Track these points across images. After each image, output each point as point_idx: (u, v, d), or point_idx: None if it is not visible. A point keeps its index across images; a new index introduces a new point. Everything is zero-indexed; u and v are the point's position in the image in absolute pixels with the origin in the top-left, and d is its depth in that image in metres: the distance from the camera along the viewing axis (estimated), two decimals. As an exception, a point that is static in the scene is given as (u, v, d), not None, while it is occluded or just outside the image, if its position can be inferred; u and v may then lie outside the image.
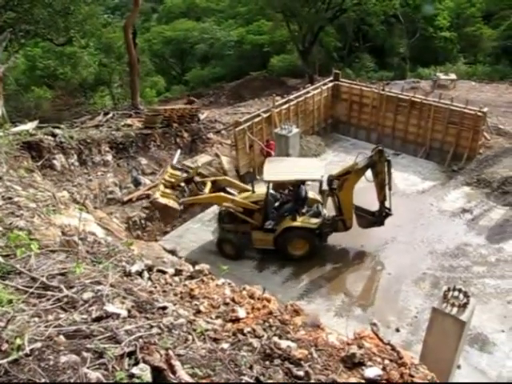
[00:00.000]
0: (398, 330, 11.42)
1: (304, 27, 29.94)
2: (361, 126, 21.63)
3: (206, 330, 3.80)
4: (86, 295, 3.78)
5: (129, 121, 19.15)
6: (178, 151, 17.65)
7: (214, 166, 17.18)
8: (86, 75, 27.92)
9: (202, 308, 4.57)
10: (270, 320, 4.45)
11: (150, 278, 5.23)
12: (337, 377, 3.57)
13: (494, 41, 35.02)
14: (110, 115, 20.40)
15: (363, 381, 3.70)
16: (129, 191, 15.76)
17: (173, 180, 13.77)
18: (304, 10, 29.31)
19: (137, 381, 2.73)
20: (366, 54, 35.30)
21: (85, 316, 3.46)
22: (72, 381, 2.63)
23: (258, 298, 5.14)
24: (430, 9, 34.28)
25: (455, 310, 8.18)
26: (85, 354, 2.88)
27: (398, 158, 19.47)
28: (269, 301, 5.08)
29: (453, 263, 13.72)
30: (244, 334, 3.99)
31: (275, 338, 3.95)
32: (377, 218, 13.80)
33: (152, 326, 3.48)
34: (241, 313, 4.52)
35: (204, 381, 2.97)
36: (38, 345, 2.90)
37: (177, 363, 2.96)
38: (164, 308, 3.99)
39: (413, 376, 4.02)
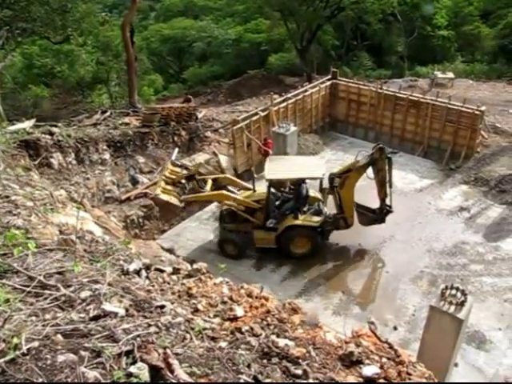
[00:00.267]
0: (395, 328, 11.44)
1: (302, 25, 29.89)
2: (359, 125, 21.65)
3: (204, 329, 3.80)
4: (84, 294, 3.77)
5: (126, 119, 19.11)
6: (176, 150, 17.60)
7: (211, 165, 17.16)
8: (84, 73, 27.80)
9: (199, 307, 4.56)
10: (268, 318, 4.45)
11: (147, 277, 5.23)
12: (335, 375, 3.58)
13: (491, 39, 35.06)
14: (108, 114, 20.35)
15: (361, 379, 3.70)
16: (126, 190, 15.73)
17: (173, 177, 13.73)
18: (302, 9, 29.26)
19: (134, 380, 2.72)
20: (364, 52, 35.31)
21: (82, 315, 3.46)
22: (69, 380, 2.63)
23: (256, 297, 5.15)
24: (430, 8, 34.32)
25: (453, 308, 8.20)
26: (82, 353, 2.88)
27: (396, 156, 19.47)
28: (267, 299, 5.09)
29: (450, 261, 13.75)
30: (242, 333, 3.98)
31: (273, 337, 3.95)
32: (378, 216, 13.83)
33: (150, 325, 3.47)
34: (239, 311, 4.52)
35: (202, 380, 2.97)
36: (36, 344, 2.89)
37: (175, 362, 2.96)
38: (162, 307, 3.98)
39: (410, 374, 4.02)
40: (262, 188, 14.01)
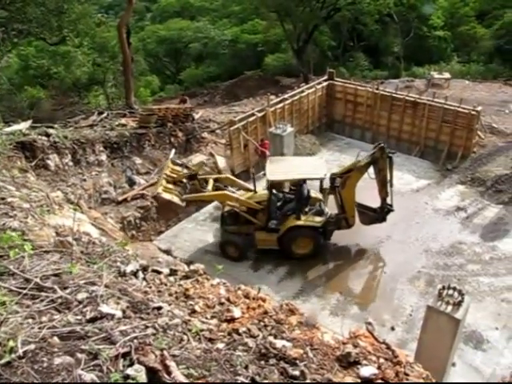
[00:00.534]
0: (393, 329, 11.46)
1: (298, 26, 29.92)
2: (355, 125, 21.68)
3: (201, 330, 3.79)
4: (81, 296, 3.76)
5: (123, 120, 19.08)
6: (173, 151, 17.58)
7: (208, 166, 17.15)
8: (80, 75, 27.75)
9: (197, 308, 4.55)
10: (266, 319, 4.44)
11: (144, 278, 5.21)
12: (332, 376, 3.57)
13: (487, 40, 35.18)
14: (104, 115, 20.31)
15: (358, 380, 3.70)
16: (123, 191, 15.70)
17: (174, 175, 13.70)
18: (298, 9, 29.30)
19: (132, 382, 2.71)
20: (361, 53, 35.35)
21: (79, 317, 3.44)
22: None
23: (254, 298, 5.14)
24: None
25: (450, 308, 8.22)
26: (79, 355, 2.86)
27: (393, 156, 19.50)
28: (264, 300, 5.08)
29: (447, 261, 13.78)
30: (239, 334, 3.98)
31: (270, 338, 3.94)
32: (379, 215, 13.89)
33: (147, 327, 3.46)
34: (236, 312, 4.51)
35: (199, 381, 2.96)
36: (32, 347, 2.88)
37: (172, 364, 2.95)
38: (159, 308, 3.97)
39: (408, 374, 4.02)
40: (259, 188, 14.01)
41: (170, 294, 4.88)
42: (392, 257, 14.27)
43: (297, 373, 3.41)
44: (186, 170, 14.11)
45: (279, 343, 3.79)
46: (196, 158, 17.10)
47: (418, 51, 34.95)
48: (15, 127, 14.98)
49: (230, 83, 33.48)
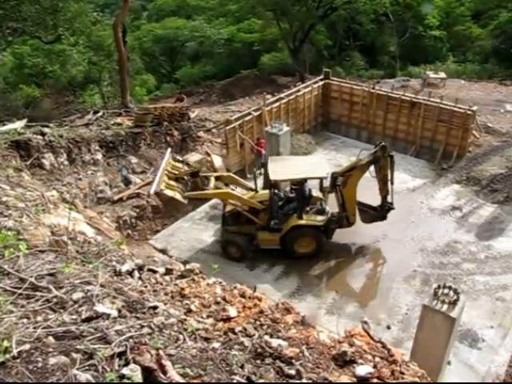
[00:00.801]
0: (388, 328, 11.48)
1: (294, 25, 29.93)
2: (351, 125, 21.70)
3: (197, 330, 3.79)
4: (76, 295, 3.74)
5: (119, 119, 19.04)
6: (169, 150, 17.54)
7: (204, 165, 17.12)
8: (76, 73, 27.63)
9: (192, 307, 4.55)
10: (261, 319, 4.45)
11: (140, 278, 5.20)
12: (328, 375, 3.58)
13: (485, 40, 35.32)
14: (100, 114, 20.25)
15: (354, 379, 3.71)
16: (119, 190, 15.66)
17: (176, 172, 13.64)
18: (295, 8, 29.31)
19: (127, 381, 2.70)
20: (357, 52, 35.44)
21: (74, 316, 3.43)
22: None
23: (249, 297, 5.15)
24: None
25: (445, 306, 8.25)
26: (74, 355, 2.85)
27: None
28: (260, 299, 5.09)
29: (443, 260, 13.83)
30: (235, 333, 3.98)
31: (266, 337, 3.94)
32: (379, 213, 13.96)
33: (142, 326, 3.45)
34: (232, 312, 4.52)
35: (195, 381, 2.95)
36: (27, 347, 2.86)
37: (167, 363, 2.94)
38: (155, 308, 3.96)
39: (403, 373, 4.04)
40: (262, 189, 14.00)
41: (166, 294, 4.87)
42: (388, 256, 14.31)
43: (293, 372, 3.42)
44: (186, 167, 14.08)
45: (275, 342, 3.80)
46: (192, 157, 17.06)
47: (413, 51, 35.07)
48: (10, 126, 14.93)
49: (226, 82, 33.44)
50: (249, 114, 18.33)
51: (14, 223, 6.27)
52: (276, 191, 13.70)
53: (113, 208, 15.01)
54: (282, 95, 19.99)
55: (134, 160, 16.72)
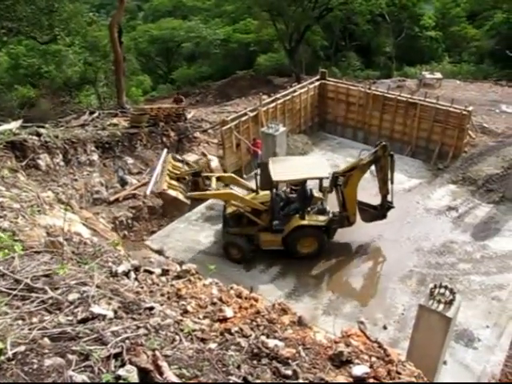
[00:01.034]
0: (385, 328, 11.50)
1: (290, 26, 29.96)
2: (347, 125, 21.73)
3: (194, 330, 3.78)
4: (72, 296, 3.73)
5: (115, 120, 18.99)
6: (165, 151, 17.53)
7: (201, 165, 17.10)
8: (71, 74, 27.55)
9: (189, 308, 4.54)
10: (258, 319, 4.44)
11: (136, 279, 5.19)
12: (324, 375, 3.58)
13: (482, 40, 35.48)
14: (96, 114, 20.20)
15: (351, 379, 3.71)
16: (115, 191, 15.62)
17: (177, 172, 13.59)
18: (291, 9, 29.35)
19: (123, 383, 2.69)
20: (353, 52, 35.52)
21: (70, 318, 3.42)
22: (57, 384, 2.59)
23: (246, 298, 5.14)
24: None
25: (441, 306, 8.26)
26: (70, 356, 2.84)
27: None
28: (256, 300, 5.08)
29: (439, 260, 13.87)
30: (231, 334, 3.97)
31: (263, 337, 3.94)
32: (379, 212, 14.05)
33: (139, 327, 3.44)
34: (228, 312, 4.51)
35: (192, 381, 2.95)
36: (22, 348, 2.85)
37: (164, 364, 2.94)
38: (151, 308, 3.95)
39: (400, 373, 4.04)
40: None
41: (162, 294, 4.86)
42: (384, 256, 14.36)
43: (289, 372, 3.41)
44: (186, 167, 14.05)
45: (271, 343, 3.79)
46: (188, 158, 17.04)
47: (409, 51, 35.18)
48: (5, 127, 14.86)
49: (222, 83, 33.45)
50: (245, 114, 18.32)
51: (9, 224, 6.25)
52: (277, 192, 13.70)
53: (109, 209, 14.97)
54: (278, 96, 20.00)
55: (130, 161, 16.69)
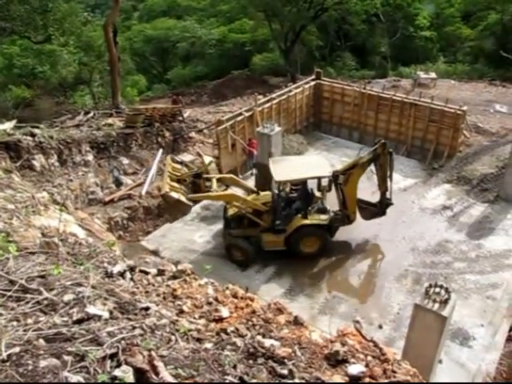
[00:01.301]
0: (380, 327, 11.54)
1: (286, 26, 29.99)
2: (343, 125, 21.77)
3: (190, 330, 3.77)
4: (67, 297, 3.72)
5: (110, 120, 18.94)
6: (160, 151, 17.52)
7: (196, 166, 17.08)
8: (66, 74, 27.44)
9: (185, 308, 4.54)
10: (254, 319, 4.44)
11: (132, 279, 5.18)
12: (320, 374, 3.58)
13: (472, 40, 35.63)
14: (91, 114, 20.14)
15: (347, 378, 3.72)
16: (110, 191, 15.59)
17: (178, 174, 13.52)
18: (286, 9, 29.38)
19: (119, 383, 2.69)
20: (348, 52, 35.55)
21: (65, 318, 3.40)
22: (52, 385, 2.58)
23: (242, 297, 5.14)
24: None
25: (437, 305, 8.30)
26: (65, 357, 2.83)
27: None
28: (252, 300, 5.08)
29: (434, 260, 13.92)
30: (227, 334, 3.97)
31: (259, 337, 3.94)
32: (379, 209, 14.19)
33: (134, 327, 3.43)
34: (224, 312, 4.51)
35: (187, 381, 2.94)
36: (17, 349, 2.83)
37: (160, 364, 2.93)
38: (146, 309, 3.95)
39: (395, 372, 4.05)
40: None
41: (158, 295, 4.85)
42: (380, 255, 14.40)
43: (285, 372, 3.42)
44: (186, 168, 14.00)
45: (267, 342, 3.80)
46: (184, 158, 17.02)
47: (404, 51, 35.28)
48: (-1, 127, 14.80)
49: (217, 83, 33.43)
50: (240, 114, 18.32)
51: (3, 225, 6.23)
52: (278, 192, 13.72)
53: (104, 209, 14.94)
54: (274, 95, 20.00)
55: (125, 161, 16.65)
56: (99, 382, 2.68)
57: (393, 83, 26.38)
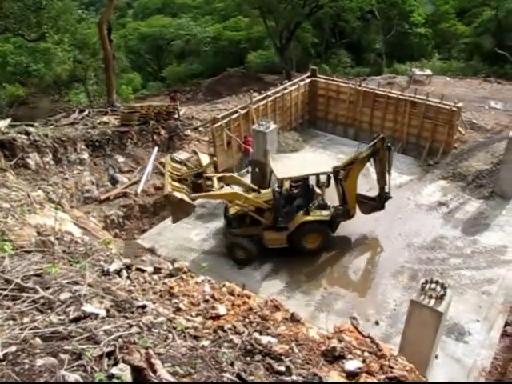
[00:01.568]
0: (377, 323, 11.58)
1: (281, 23, 29.96)
2: (338, 122, 21.78)
3: (187, 328, 3.77)
4: (63, 296, 3.70)
5: (105, 118, 18.86)
6: (156, 149, 17.47)
7: (192, 163, 17.05)
8: (61, 72, 27.29)
9: (181, 306, 4.53)
10: (251, 316, 4.45)
11: (128, 277, 5.17)
12: (318, 371, 3.59)
13: (467, 37, 35.72)
14: (86, 113, 20.04)
15: (344, 374, 3.73)
16: (106, 190, 15.55)
17: (179, 173, 13.48)
18: (281, 6, 29.34)
19: (116, 381, 2.68)
20: (343, 49, 35.59)
21: (62, 317, 3.39)
22: (49, 384, 2.57)
23: (238, 295, 5.14)
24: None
25: (432, 301, 8.34)
26: (62, 355, 2.82)
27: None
28: (249, 297, 5.09)
29: (430, 256, 13.97)
30: (224, 331, 3.97)
31: (256, 334, 3.95)
32: (378, 203, 14.34)
33: (131, 326, 3.43)
34: (221, 310, 4.51)
35: (185, 379, 2.94)
36: (13, 349, 2.82)
37: (157, 362, 2.93)
38: (143, 307, 3.94)
39: (392, 367, 4.07)
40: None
41: (155, 293, 4.85)
42: (376, 252, 14.44)
43: (282, 368, 3.42)
44: (185, 168, 13.97)
45: (264, 339, 3.80)
46: (179, 156, 16.98)
47: (399, 48, 35.37)
48: (-7, 125, 14.72)
49: (212, 80, 33.36)
50: (236, 112, 18.29)
51: (-2, 224, 6.19)
52: (277, 189, 13.73)
53: (100, 207, 14.90)
54: (269, 93, 19.98)
55: (120, 159, 16.60)
56: (96, 380, 2.68)
57: (388, 80, 26.40)
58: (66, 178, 14.72)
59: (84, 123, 18.09)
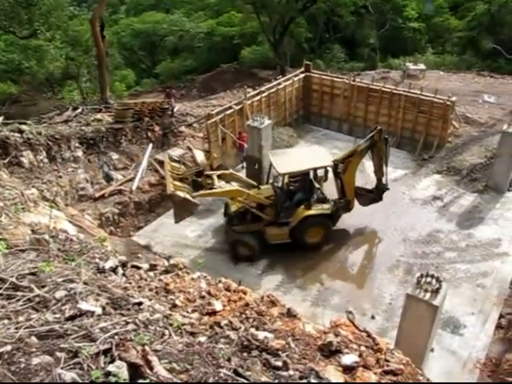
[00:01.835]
0: (373, 317, 11.63)
1: (274, 18, 29.85)
2: (332, 117, 21.78)
3: (183, 324, 3.77)
4: (59, 294, 3.69)
5: (99, 115, 18.74)
6: (150, 145, 17.42)
7: (186, 160, 17.02)
8: (53, 69, 27.08)
9: (177, 302, 4.53)
10: (247, 312, 4.46)
11: (124, 274, 5.16)
12: (314, 365, 3.60)
13: (460, 31, 35.77)
14: (79, 110, 19.90)
15: (340, 368, 3.75)
16: (100, 187, 15.49)
17: (179, 172, 13.44)
18: (274, 1, 29.22)
19: (113, 379, 2.68)
20: (337, 44, 35.51)
21: (58, 315, 3.38)
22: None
23: (234, 291, 5.15)
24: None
25: (428, 295, 8.38)
26: (58, 354, 2.81)
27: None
28: (245, 293, 5.10)
29: (425, 250, 14.03)
30: (221, 327, 3.98)
31: (252, 330, 3.95)
32: (375, 195, 14.49)
33: (128, 323, 3.42)
34: (217, 306, 4.52)
35: (182, 375, 2.94)
36: (8, 348, 2.81)
37: (154, 359, 2.93)
38: (139, 304, 3.94)
39: (388, 361, 4.09)
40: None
41: (151, 289, 4.84)
42: (371, 246, 14.49)
43: (279, 363, 3.43)
44: (184, 167, 13.93)
45: (261, 335, 3.81)
46: (174, 152, 16.94)
47: (393, 43, 35.35)
48: (-14, 124, 14.61)
49: (206, 76, 33.22)
50: (230, 107, 18.24)
51: (-8, 222, 6.16)
52: (280, 185, 13.73)
53: (95, 205, 14.85)
54: (263, 88, 19.93)
55: (115, 156, 16.53)
56: (93, 378, 2.67)
57: (382, 75, 26.40)
58: (60, 176, 14.65)
59: (78, 121, 17.98)
